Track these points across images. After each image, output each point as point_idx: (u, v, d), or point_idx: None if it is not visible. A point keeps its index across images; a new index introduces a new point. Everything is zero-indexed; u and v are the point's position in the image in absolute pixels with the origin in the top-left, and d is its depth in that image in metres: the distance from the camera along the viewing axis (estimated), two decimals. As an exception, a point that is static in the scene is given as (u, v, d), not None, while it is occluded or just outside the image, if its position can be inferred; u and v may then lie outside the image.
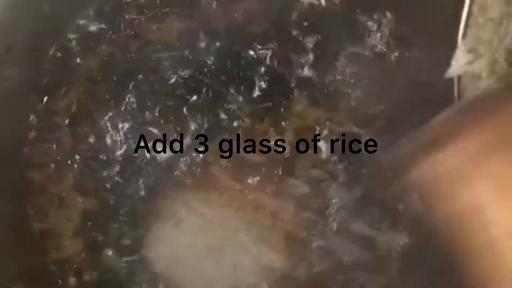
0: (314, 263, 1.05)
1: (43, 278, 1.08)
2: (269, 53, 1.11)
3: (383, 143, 1.04)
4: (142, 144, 1.10)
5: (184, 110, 1.10)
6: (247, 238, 1.06)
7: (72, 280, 1.08)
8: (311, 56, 1.12)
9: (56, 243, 1.10)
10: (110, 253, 1.08)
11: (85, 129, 1.11)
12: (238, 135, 1.09)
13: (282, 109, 1.10)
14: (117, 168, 1.09)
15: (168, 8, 1.14)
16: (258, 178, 1.07)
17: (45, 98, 1.13)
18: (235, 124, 1.10)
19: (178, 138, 1.09)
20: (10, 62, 1.05)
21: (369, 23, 1.12)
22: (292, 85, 1.11)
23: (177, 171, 1.09)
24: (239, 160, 1.08)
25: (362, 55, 1.12)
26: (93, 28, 1.14)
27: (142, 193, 1.09)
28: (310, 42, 1.12)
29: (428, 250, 0.96)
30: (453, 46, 0.87)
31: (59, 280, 1.08)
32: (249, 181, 1.07)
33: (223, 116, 1.10)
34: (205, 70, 1.11)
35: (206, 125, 1.10)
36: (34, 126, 1.12)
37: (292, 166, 1.08)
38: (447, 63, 0.88)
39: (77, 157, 1.10)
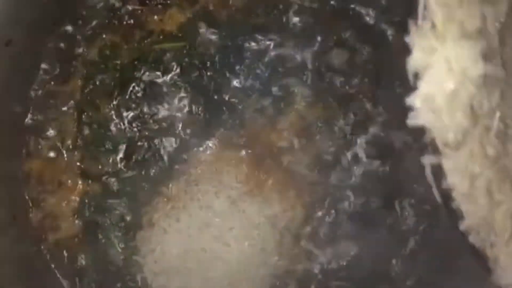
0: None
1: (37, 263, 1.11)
2: (271, 44, 1.15)
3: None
4: (146, 133, 1.13)
5: (186, 102, 1.14)
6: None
7: (66, 264, 1.11)
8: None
9: (52, 225, 1.13)
10: (107, 238, 1.12)
11: (90, 115, 1.14)
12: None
13: (282, 104, 1.14)
14: (120, 154, 1.13)
15: (170, 1, 1.17)
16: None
17: (49, 85, 1.16)
18: (236, 119, 1.14)
19: (181, 129, 1.13)
20: (11, 53, 1.06)
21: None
22: (293, 80, 1.15)
23: (179, 162, 1.13)
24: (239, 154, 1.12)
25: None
26: (95, 18, 1.17)
27: (144, 181, 1.13)
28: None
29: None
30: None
31: (52, 265, 1.11)
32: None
33: (225, 108, 1.14)
34: (208, 62, 1.15)
35: (208, 117, 1.14)
36: (37, 109, 1.15)
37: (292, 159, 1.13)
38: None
39: (80, 142, 1.14)
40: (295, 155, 1.13)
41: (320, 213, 1.11)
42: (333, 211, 1.11)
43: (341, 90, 1.14)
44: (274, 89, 1.14)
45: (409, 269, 1.10)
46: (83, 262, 1.12)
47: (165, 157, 1.13)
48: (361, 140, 1.12)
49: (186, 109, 1.13)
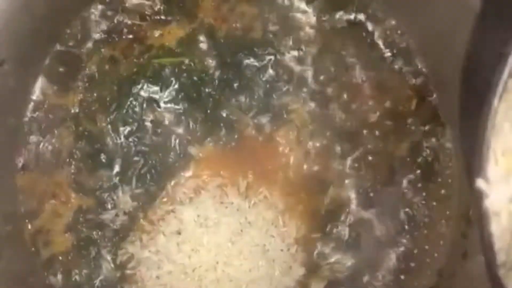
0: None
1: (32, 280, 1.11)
2: (271, 60, 1.17)
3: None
4: (142, 148, 1.15)
5: (183, 118, 1.15)
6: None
7: (61, 280, 1.12)
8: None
9: (46, 239, 1.13)
10: (101, 253, 1.12)
11: (86, 129, 1.15)
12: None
13: (281, 122, 1.16)
14: (115, 169, 1.14)
15: (170, 17, 1.19)
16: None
17: (46, 98, 1.17)
18: (234, 136, 1.16)
19: (177, 145, 1.14)
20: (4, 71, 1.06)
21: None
22: (292, 97, 1.17)
23: (175, 178, 1.14)
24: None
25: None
26: (95, 31, 1.18)
27: (139, 197, 1.14)
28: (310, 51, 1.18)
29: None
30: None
31: (47, 281, 1.12)
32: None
33: (222, 125, 1.16)
34: (206, 78, 1.16)
35: (205, 133, 1.15)
36: (34, 122, 1.16)
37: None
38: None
39: (75, 156, 1.15)
40: (293, 171, 1.15)
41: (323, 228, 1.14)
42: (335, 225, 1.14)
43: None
44: (272, 107, 1.17)
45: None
46: (78, 278, 1.13)
47: (161, 173, 1.14)
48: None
49: (183, 125, 1.15)
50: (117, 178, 1.13)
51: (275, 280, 1.10)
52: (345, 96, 1.17)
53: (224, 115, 1.15)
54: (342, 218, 1.15)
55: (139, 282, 1.11)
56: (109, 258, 1.12)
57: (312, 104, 1.17)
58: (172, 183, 1.13)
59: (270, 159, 1.15)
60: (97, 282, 1.12)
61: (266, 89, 1.16)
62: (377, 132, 1.16)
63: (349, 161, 1.15)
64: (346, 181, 1.16)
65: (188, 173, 1.14)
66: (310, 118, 1.16)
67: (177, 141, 1.14)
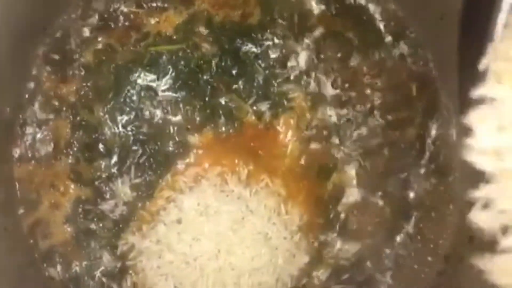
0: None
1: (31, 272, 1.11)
2: (270, 45, 1.15)
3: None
4: (140, 137, 1.14)
5: (181, 106, 1.14)
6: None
7: (60, 272, 1.11)
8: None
9: (44, 231, 1.12)
10: (101, 244, 1.11)
11: (84, 118, 1.14)
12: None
13: (280, 109, 1.15)
14: (114, 159, 1.13)
15: (167, 4, 1.17)
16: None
17: (43, 88, 1.16)
18: (233, 124, 1.14)
19: (176, 133, 1.13)
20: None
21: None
22: (292, 85, 1.16)
23: (174, 166, 1.13)
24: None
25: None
26: (91, 19, 1.17)
27: (138, 187, 1.13)
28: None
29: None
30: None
31: (46, 273, 1.11)
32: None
33: (221, 113, 1.14)
34: (204, 65, 1.15)
35: (204, 122, 1.14)
36: (30, 113, 1.15)
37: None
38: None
39: (73, 146, 1.14)
40: (294, 158, 1.14)
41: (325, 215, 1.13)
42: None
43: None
44: (272, 94, 1.15)
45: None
46: (77, 270, 1.12)
47: (160, 162, 1.13)
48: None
49: (182, 113, 1.14)
50: (116, 168, 1.12)
51: (278, 268, 1.09)
52: (346, 81, 1.16)
53: (223, 102, 1.14)
54: (346, 204, 1.14)
55: (140, 272, 1.10)
56: (109, 249, 1.11)
57: (313, 91, 1.16)
58: (172, 172, 1.12)
59: (271, 146, 1.14)
60: (97, 273, 1.11)
61: (266, 75, 1.15)
62: (379, 117, 1.15)
63: (351, 147, 1.15)
64: (349, 167, 1.15)
65: (188, 162, 1.13)
66: (310, 105, 1.15)
67: (176, 129, 1.13)
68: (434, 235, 1.13)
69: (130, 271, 1.11)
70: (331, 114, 1.15)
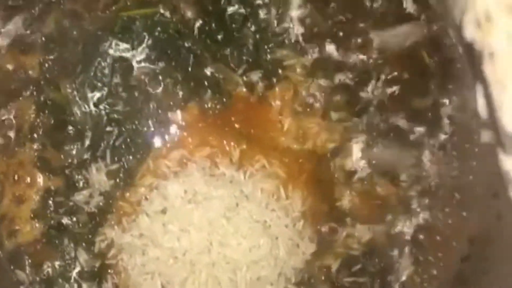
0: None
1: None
2: (260, 3, 1.06)
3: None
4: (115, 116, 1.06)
5: (161, 78, 1.06)
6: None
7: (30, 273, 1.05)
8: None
9: (10, 228, 1.05)
10: (75, 242, 1.04)
11: (49, 97, 1.06)
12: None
13: (275, 80, 1.05)
14: (86, 142, 1.05)
15: (141, -38, 1.07)
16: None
17: (2, 60, 1.07)
18: (221, 97, 1.06)
19: (156, 111, 1.06)
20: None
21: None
22: (286, 51, 1.06)
23: (155, 148, 1.05)
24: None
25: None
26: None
27: (116, 173, 1.05)
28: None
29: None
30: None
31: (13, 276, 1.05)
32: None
33: (207, 85, 1.06)
34: (185, 30, 1.06)
35: (187, 96, 1.05)
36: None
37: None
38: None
39: (38, 129, 1.06)
40: (293, 135, 1.05)
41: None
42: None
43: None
44: (265, 62, 1.06)
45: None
46: (50, 271, 1.05)
47: (139, 144, 1.06)
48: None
49: (162, 87, 1.06)
50: (89, 153, 1.06)
51: (280, 261, 1.00)
52: (351, 47, 1.07)
53: (209, 73, 1.06)
54: (353, 186, 1.04)
55: (122, 272, 1.04)
56: (85, 246, 1.05)
57: (312, 57, 1.06)
58: (153, 155, 1.05)
59: (265, 123, 1.06)
60: (73, 274, 1.05)
61: (256, 41, 1.06)
62: (387, 87, 1.06)
63: (356, 121, 1.05)
64: (356, 143, 1.05)
65: (171, 143, 1.05)
66: (309, 74, 1.06)
67: (156, 106, 1.06)
68: (456, 214, 1.03)
69: (111, 271, 1.05)
70: (333, 84, 1.06)
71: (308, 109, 1.05)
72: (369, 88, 1.05)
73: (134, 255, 1.01)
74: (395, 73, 1.06)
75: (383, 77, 1.06)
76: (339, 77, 1.05)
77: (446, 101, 1.05)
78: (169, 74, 1.05)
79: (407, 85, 1.06)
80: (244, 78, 1.05)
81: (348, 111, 1.05)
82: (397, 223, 1.03)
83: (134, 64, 1.05)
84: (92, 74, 1.05)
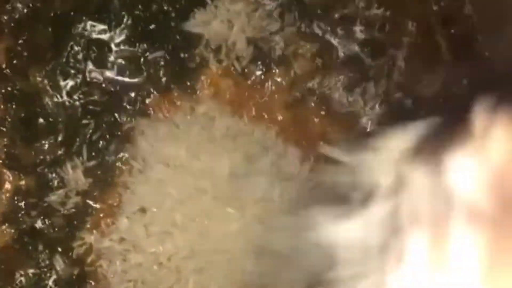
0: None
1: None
2: None
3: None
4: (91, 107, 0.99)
5: (142, 62, 0.99)
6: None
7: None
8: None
9: None
10: (51, 247, 0.98)
11: (17, 87, 1.00)
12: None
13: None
14: (59, 136, 0.99)
15: None
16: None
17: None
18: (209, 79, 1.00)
19: (138, 100, 1.00)
20: None
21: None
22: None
23: (137, 141, 0.98)
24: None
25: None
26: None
27: (94, 170, 0.98)
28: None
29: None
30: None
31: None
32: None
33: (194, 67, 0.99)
34: (169, 8, 1.00)
35: (173, 81, 1.00)
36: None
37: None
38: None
39: (6, 123, 1.00)
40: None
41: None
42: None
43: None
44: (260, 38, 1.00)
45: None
46: (23, 280, 0.99)
47: (119, 138, 0.99)
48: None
49: (144, 73, 1.00)
50: (63, 148, 0.99)
51: None
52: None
53: (197, 56, 1.00)
54: None
55: (102, 279, 0.97)
56: (61, 252, 0.98)
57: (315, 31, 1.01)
58: (133, 148, 0.98)
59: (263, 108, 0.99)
60: (49, 283, 0.98)
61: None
62: (398, 60, 1.01)
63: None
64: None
65: (153, 133, 0.98)
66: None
67: (137, 94, 1.00)
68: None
69: (89, 280, 0.98)
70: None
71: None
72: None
73: (114, 261, 0.94)
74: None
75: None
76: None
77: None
78: (152, 57, 0.99)
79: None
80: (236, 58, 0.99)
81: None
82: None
83: (112, 47, 1.00)
84: (64, 60, 0.99)
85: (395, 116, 1.00)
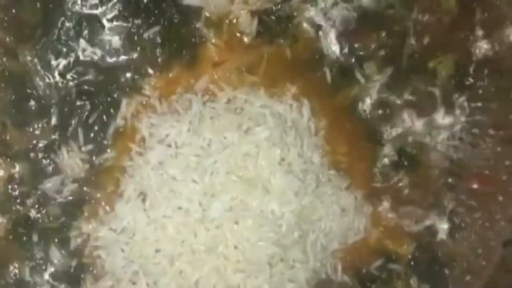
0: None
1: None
2: None
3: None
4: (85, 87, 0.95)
5: (136, 38, 0.94)
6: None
7: None
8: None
9: None
10: (48, 237, 0.94)
11: (6, 66, 0.94)
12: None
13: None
14: (53, 120, 0.94)
15: None
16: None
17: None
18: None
19: (134, 80, 0.95)
20: None
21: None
22: None
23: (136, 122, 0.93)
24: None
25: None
26: None
27: (90, 154, 0.94)
28: None
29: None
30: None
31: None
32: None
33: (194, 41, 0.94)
34: None
35: (169, 58, 0.94)
36: None
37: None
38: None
39: None
40: None
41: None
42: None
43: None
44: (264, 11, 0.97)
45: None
46: (17, 273, 0.95)
47: (116, 119, 0.94)
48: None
49: (139, 49, 0.94)
50: (57, 132, 0.96)
51: None
52: None
53: (197, 33, 0.94)
54: None
55: (101, 271, 0.93)
56: (58, 243, 0.95)
57: None
58: (132, 129, 0.94)
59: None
60: (46, 276, 0.95)
61: None
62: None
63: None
64: None
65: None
66: None
67: (134, 73, 0.95)
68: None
69: (89, 270, 0.95)
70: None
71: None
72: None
73: (114, 251, 0.91)
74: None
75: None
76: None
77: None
78: (146, 32, 0.93)
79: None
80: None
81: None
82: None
83: (105, 22, 0.95)
84: (55, 37, 0.96)
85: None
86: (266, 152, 0.87)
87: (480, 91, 0.99)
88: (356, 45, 0.97)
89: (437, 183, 1.00)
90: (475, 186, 0.99)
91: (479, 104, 0.99)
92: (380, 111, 0.98)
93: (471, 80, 0.99)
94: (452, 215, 0.98)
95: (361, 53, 0.98)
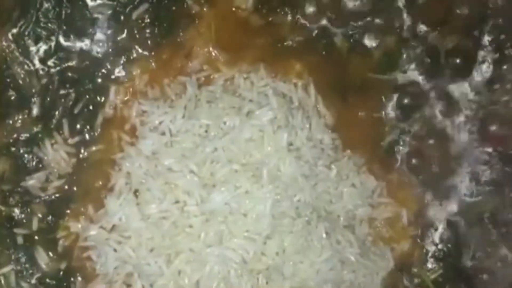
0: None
1: None
2: None
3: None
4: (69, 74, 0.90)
5: (123, 19, 0.89)
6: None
7: None
8: None
9: None
10: (33, 239, 0.89)
11: None
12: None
13: None
14: (35, 111, 0.90)
15: None
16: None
17: None
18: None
19: (122, 64, 0.89)
20: None
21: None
22: None
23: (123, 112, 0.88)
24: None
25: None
26: None
27: (75, 147, 0.89)
28: None
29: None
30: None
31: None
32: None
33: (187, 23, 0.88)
34: None
35: (161, 37, 0.89)
36: None
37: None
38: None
39: None
40: None
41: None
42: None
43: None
44: None
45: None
46: (1, 279, 0.90)
47: (104, 107, 0.89)
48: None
49: (126, 29, 0.89)
50: (40, 124, 0.92)
51: None
52: None
53: (187, 3, 0.89)
54: None
55: (93, 273, 0.88)
56: (44, 244, 0.91)
57: None
58: (119, 119, 0.89)
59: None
60: (33, 281, 0.90)
61: None
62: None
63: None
64: None
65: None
66: None
67: (121, 56, 0.90)
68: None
69: (79, 274, 0.90)
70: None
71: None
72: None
73: (105, 252, 0.85)
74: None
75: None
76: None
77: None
78: (135, 11, 0.88)
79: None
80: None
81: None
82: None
83: (88, 1, 0.89)
84: (33, 19, 0.90)
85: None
86: (271, 137, 0.81)
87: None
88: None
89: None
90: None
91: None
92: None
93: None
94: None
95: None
